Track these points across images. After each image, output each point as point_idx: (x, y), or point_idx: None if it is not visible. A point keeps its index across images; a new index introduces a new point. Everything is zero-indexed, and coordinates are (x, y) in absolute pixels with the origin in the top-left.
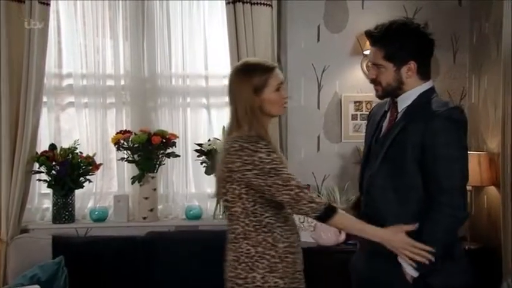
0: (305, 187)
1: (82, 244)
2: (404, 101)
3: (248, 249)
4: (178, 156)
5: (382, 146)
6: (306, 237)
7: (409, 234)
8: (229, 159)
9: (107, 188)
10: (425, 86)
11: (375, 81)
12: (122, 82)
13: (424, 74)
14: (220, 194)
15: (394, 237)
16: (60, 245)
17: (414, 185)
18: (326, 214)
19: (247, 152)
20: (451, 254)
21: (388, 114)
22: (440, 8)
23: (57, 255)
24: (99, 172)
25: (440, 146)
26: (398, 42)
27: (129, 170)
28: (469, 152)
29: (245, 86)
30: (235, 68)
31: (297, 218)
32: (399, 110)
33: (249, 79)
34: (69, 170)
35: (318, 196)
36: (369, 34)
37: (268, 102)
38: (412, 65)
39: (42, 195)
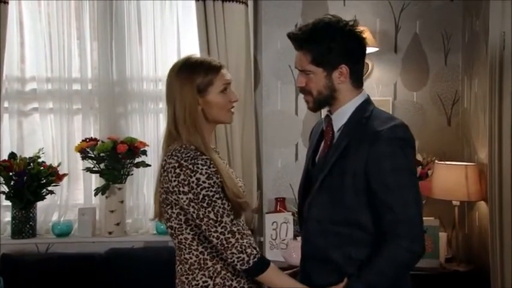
0: (238, 229)
1: (35, 262)
2: (340, 118)
3: (205, 281)
4: (149, 165)
5: (320, 172)
6: (277, 255)
7: (358, 266)
8: (165, 177)
9: (73, 200)
10: (359, 98)
11: (304, 90)
12: (90, 86)
13: (357, 80)
14: (164, 219)
15: None
16: (10, 263)
17: (355, 219)
18: (255, 269)
19: (184, 171)
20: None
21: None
22: (430, 5)
23: (5, 274)
24: (64, 183)
25: (387, 174)
26: (326, 44)
27: (97, 180)
28: (456, 163)
29: (187, 85)
30: (175, 65)
31: (268, 235)
32: (335, 129)
33: (191, 77)
34: (28, 180)
35: (250, 246)
36: (292, 37)
37: (212, 105)
38: (344, 69)
39: (4, 208)
